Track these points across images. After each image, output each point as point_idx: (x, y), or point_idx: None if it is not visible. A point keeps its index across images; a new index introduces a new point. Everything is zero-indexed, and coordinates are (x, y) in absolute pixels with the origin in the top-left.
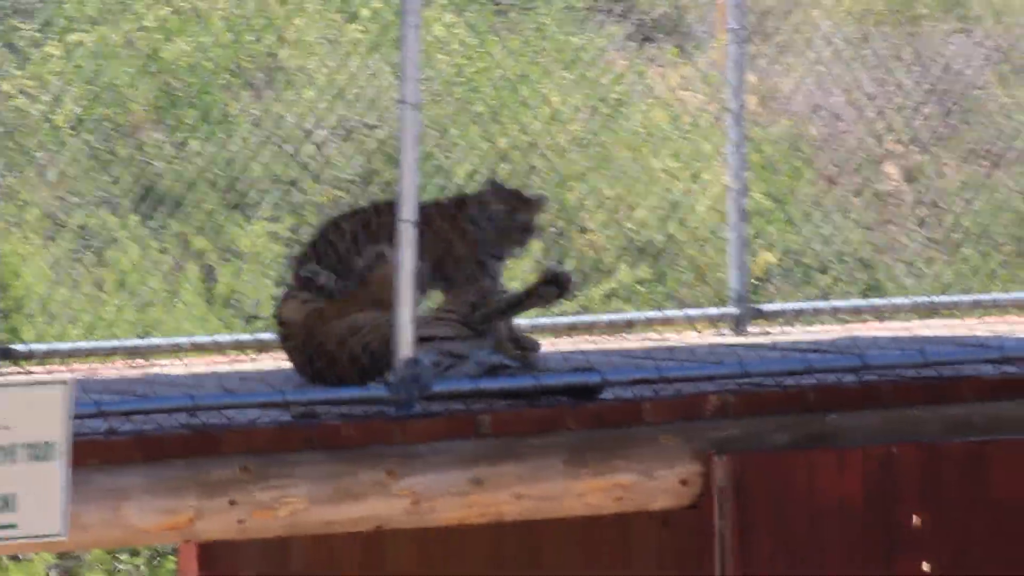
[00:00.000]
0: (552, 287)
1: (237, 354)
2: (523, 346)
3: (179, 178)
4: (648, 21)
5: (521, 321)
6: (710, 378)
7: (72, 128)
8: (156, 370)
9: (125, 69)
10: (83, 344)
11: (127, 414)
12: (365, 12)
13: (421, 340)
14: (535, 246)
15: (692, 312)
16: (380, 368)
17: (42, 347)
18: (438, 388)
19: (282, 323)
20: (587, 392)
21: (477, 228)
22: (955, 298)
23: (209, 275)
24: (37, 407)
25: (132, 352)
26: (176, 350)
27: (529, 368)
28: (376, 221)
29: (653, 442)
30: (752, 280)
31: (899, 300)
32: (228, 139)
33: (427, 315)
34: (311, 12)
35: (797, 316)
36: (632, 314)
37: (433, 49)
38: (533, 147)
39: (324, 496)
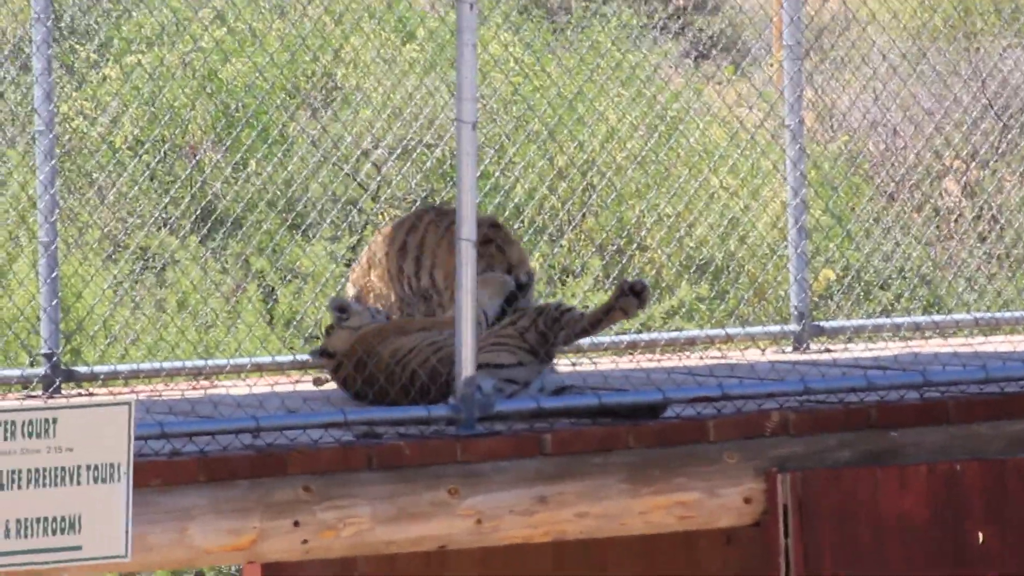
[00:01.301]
0: (631, 298)
1: (299, 374)
2: None
3: (238, 198)
4: (704, 38)
5: (583, 339)
6: (772, 395)
7: (131, 149)
8: (218, 391)
9: (182, 90)
10: (145, 365)
11: (190, 435)
12: (421, 32)
13: (480, 367)
14: (595, 264)
15: (753, 330)
16: (429, 392)
17: (104, 368)
18: (499, 407)
19: (329, 355)
20: (650, 411)
21: None
22: (1017, 314)
23: (269, 295)
24: (100, 429)
25: (194, 373)
26: (238, 371)
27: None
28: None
29: (715, 460)
30: (813, 297)
31: (960, 316)
32: (286, 159)
33: (487, 337)
34: (367, 32)
35: (858, 333)
36: (693, 332)
37: (489, 68)
38: (591, 165)
39: (387, 516)
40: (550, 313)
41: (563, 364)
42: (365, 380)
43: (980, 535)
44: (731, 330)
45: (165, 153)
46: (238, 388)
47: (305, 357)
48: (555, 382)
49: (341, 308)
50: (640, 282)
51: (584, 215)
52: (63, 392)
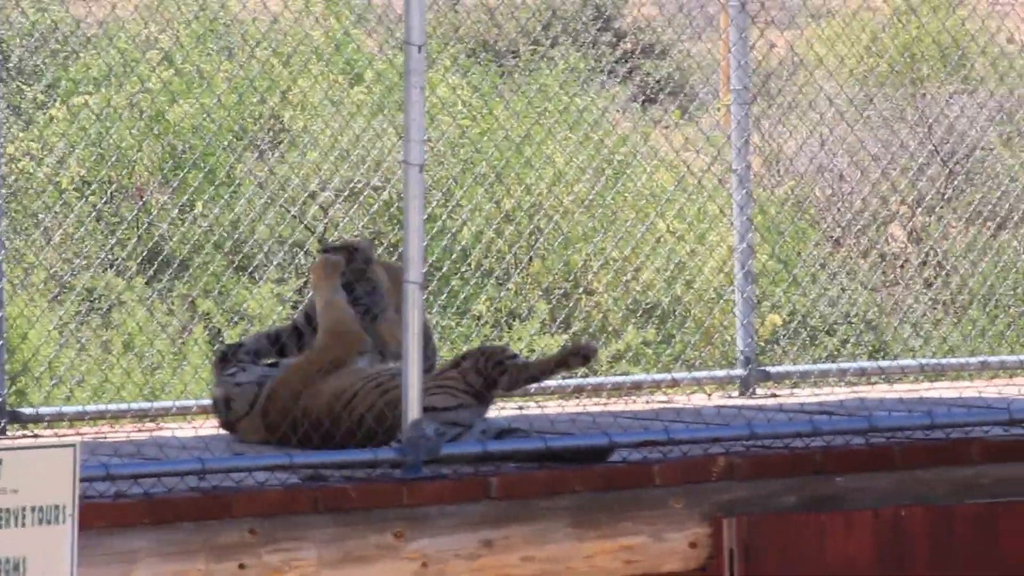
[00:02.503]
0: (579, 358)
1: None
2: None
3: (185, 240)
4: (652, 83)
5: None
6: (718, 440)
7: (77, 190)
8: (164, 433)
9: (129, 131)
10: (91, 407)
11: (135, 477)
12: (369, 74)
13: (424, 410)
14: (541, 308)
15: (699, 374)
16: (376, 435)
17: (49, 410)
18: (446, 451)
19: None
20: (596, 455)
21: None
22: (962, 360)
23: (216, 337)
24: (45, 470)
25: (140, 415)
26: (184, 413)
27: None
28: None
29: (662, 504)
30: (759, 342)
31: (906, 362)
32: (233, 201)
33: (429, 380)
34: (315, 74)
35: (804, 378)
36: (640, 376)
37: (437, 110)
38: (538, 208)
39: (333, 559)
40: (494, 356)
41: (510, 407)
42: (312, 424)
43: None
44: (677, 374)
45: (112, 194)
46: (184, 430)
47: None
48: (498, 425)
49: (224, 358)
50: (591, 347)
51: (531, 258)
52: (8, 433)
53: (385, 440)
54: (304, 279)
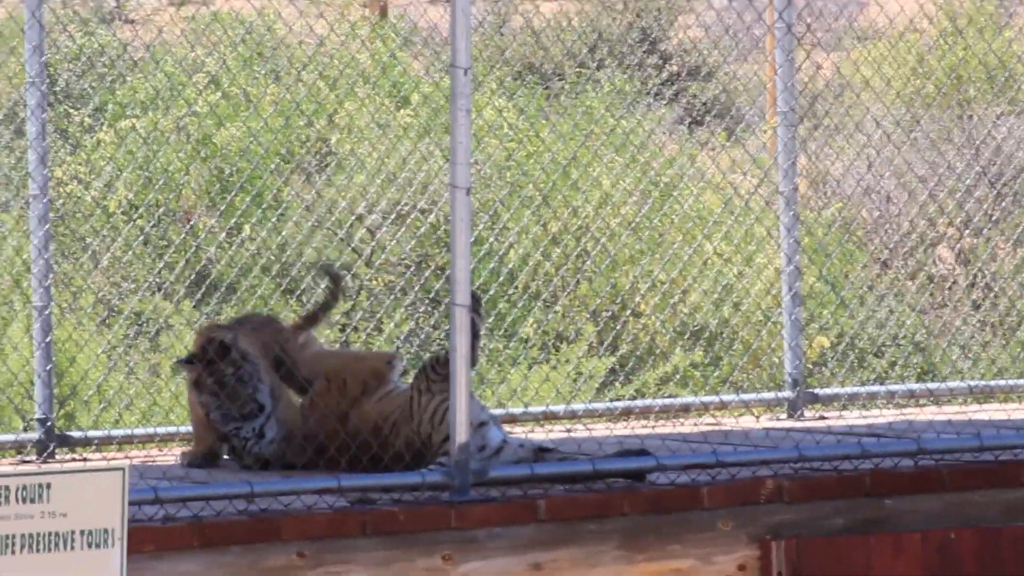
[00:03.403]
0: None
1: None
2: None
3: (232, 263)
4: (698, 105)
5: (577, 405)
6: (766, 463)
7: (125, 213)
8: None
9: (177, 155)
10: (139, 430)
11: (184, 500)
12: (416, 97)
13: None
14: (589, 330)
15: (747, 396)
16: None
17: (98, 433)
18: (494, 473)
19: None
20: (638, 475)
21: None
22: (1011, 382)
23: None
24: (94, 494)
25: (188, 438)
26: None
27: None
28: None
29: (710, 527)
30: (807, 364)
31: (955, 384)
32: (280, 224)
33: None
34: (361, 97)
35: (852, 400)
36: (687, 399)
37: (484, 133)
38: (585, 231)
39: None
40: (438, 358)
41: (558, 429)
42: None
43: None
44: (725, 397)
45: (159, 218)
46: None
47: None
48: (535, 443)
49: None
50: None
51: (578, 281)
52: (57, 457)
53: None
54: (351, 302)
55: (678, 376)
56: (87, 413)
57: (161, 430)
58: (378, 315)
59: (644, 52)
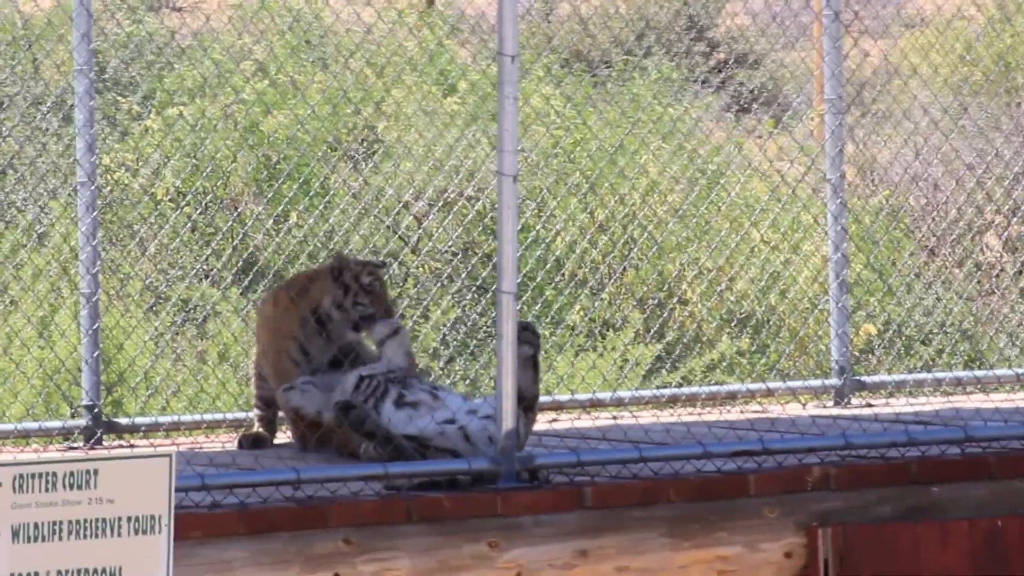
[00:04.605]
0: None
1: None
2: None
3: (279, 250)
4: (745, 92)
5: (623, 392)
6: (813, 450)
7: (172, 201)
8: None
9: (224, 142)
10: (186, 417)
11: (231, 487)
12: (463, 85)
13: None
14: (636, 317)
15: (794, 384)
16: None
17: (145, 420)
18: (540, 460)
19: None
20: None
21: None
22: None
23: None
24: (141, 480)
25: (235, 425)
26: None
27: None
28: None
29: (756, 514)
30: (854, 352)
31: (1002, 371)
32: (327, 211)
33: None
34: (409, 85)
35: (899, 388)
36: (734, 386)
37: (531, 120)
38: (632, 218)
39: (427, 568)
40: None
41: (604, 416)
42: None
43: None
44: (772, 384)
45: (206, 205)
46: (279, 440)
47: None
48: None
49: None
50: None
51: (625, 268)
52: (104, 444)
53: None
54: (399, 289)
55: (724, 363)
56: (134, 400)
57: (208, 417)
58: (425, 303)
59: (691, 40)
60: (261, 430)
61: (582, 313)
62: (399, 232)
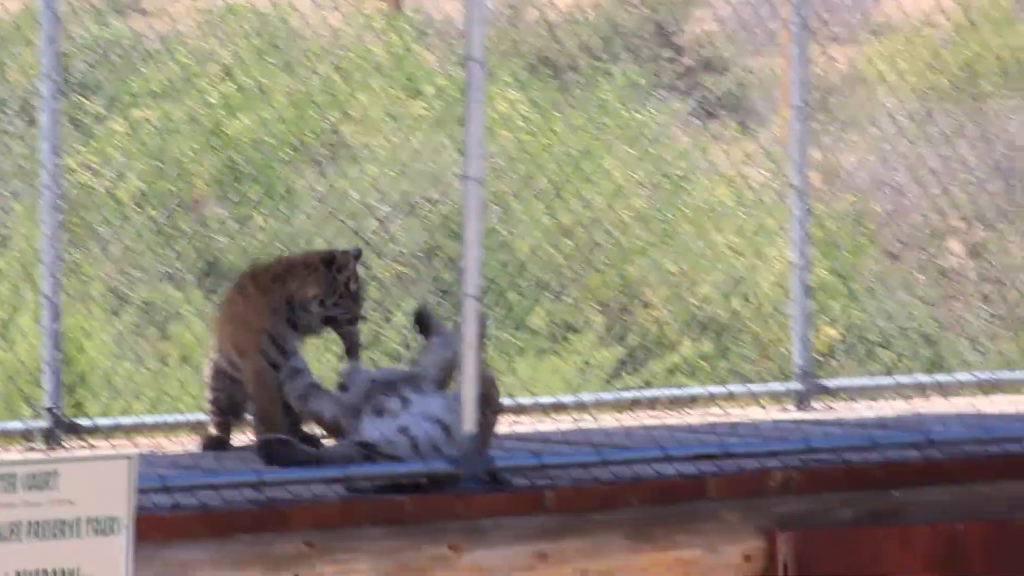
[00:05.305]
0: None
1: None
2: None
3: (243, 253)
4: (711, 98)
5: (585, 395)
6: (774, 454)
7: (136, 203)
8: None
9: (189, 145)
10: (147, 418)
11: (192, 488)
12: (429, 89)
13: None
14: (598, 321)
15: (755, 387)
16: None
17: (106, 421)
18: (500, 463)
19: None
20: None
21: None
22: (1020, 374)
23: None
24: (101, 482)
25: (196, 427)
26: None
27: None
28: None
29: (716, 518)
30: (816, 356)
31: (963, 376)
32: (291, 214)
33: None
34: (375, 89)
35: (861, 392)
36: (695, 389)
37: (497, 125)
38: (596, 223)
39: (388, 571)
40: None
41: (565, 420)
42: None
43: None
44: (733, 388)
45: (171, 208)
46: (240, 441)
47: None
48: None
49: None
50: None
51: (588, 272)
52: (65, 445)
53: None
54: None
55: (686, 367)
56: (96, 401)
57: (170, 418)
58: (386, 305)
59: (658, 45)
60: (220, 433)
61: (545, 316)
62: (364, 236)
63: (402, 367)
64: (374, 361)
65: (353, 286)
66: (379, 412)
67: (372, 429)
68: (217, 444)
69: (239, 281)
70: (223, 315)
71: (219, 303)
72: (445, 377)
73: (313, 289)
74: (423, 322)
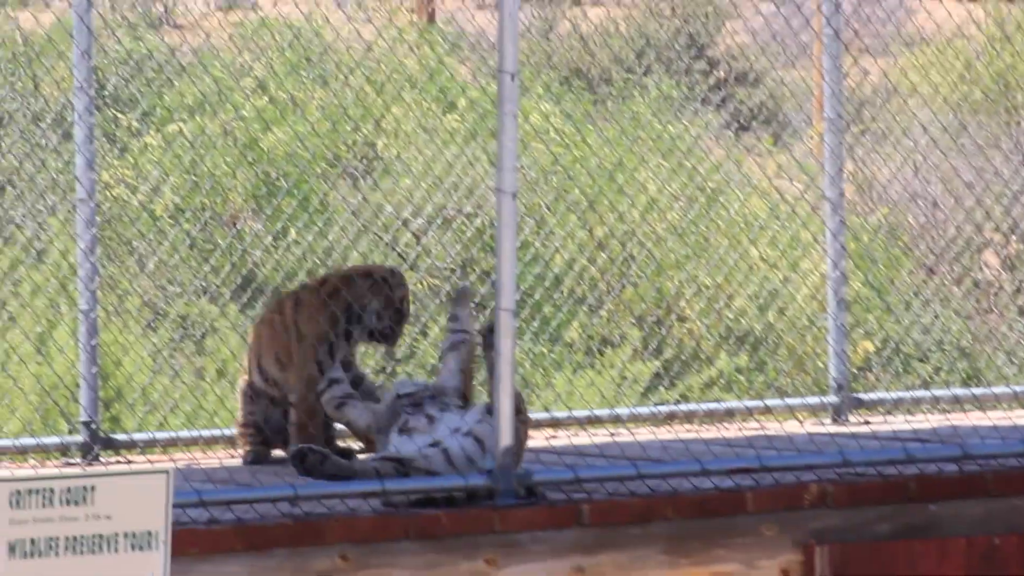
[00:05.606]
0: None
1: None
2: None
3: (278, 267)
4: (745, 110)
5: (621, 409)
6: (810, 467)
7: (171, 218)
8: None
9: (223, 159)
10: (183, 433)
11: (228, 503)
12: (462, 102)
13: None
14: (634, 334)
15: (792, 401)
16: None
17: (143, 436)
18: (537, 477)
19: None
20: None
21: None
22: None
23: None
24: (138, 496)
25: (233, 441)
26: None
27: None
28: None
29: (754, 531)
30: (852, 369)
31: (1000, 389)
32: (326, 228)
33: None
34: (409, 102)
35: (897, 405)
36: (732, 403)
37: (530, 138)
38: (631, 236)
39: None
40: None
41: (601, 433)
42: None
43: None
44: (770, 401)
45: (205, 221)
46: (278, 455)
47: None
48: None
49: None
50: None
51: (623, 285)
52: (101, 460)
53: None
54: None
55: (722, 380)
56: (132, 416)
57: (206, 433)
58: (423, 319)
59: (691, 57)
60: (259, 447)
61: (580, 330)
62: (398, 249)
63: (424, 380)
64: (410, 375)
65: (405, 305)
66: (407, 432)
67: (406, 444)
68: (257, 459)
69: (288, 294)
70: (264, 328)
71: (257, 318)
72: (466, 380)
73: (375, 301)
74: (459, 300)
